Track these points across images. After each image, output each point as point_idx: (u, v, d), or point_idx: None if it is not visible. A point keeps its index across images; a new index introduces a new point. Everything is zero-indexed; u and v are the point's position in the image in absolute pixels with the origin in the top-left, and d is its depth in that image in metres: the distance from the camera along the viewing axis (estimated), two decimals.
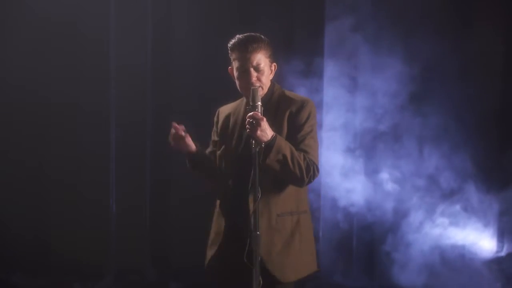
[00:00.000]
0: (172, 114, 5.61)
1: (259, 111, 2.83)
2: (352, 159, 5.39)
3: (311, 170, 2.95)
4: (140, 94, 5.70)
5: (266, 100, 3.01)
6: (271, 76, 3.08)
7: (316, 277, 5.35)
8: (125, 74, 5.61)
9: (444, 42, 5.21)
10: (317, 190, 5.44)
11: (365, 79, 5.42)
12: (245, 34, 3.03)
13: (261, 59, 2.99)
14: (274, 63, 3.08)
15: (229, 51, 3.05)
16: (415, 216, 5.31)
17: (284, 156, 2.87)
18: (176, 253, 5.72)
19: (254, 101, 2.85)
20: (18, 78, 5.61)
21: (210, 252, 3.14)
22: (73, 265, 5.60)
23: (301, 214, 3.08)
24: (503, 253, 5.34)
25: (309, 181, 2.98)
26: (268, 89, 3.07)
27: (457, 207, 5.24)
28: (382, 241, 5.39)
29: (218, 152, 3.17)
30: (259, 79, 2.99)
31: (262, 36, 3.04)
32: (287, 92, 3.15)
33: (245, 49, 2.97)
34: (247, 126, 2.81)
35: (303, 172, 2.92)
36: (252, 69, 2.98)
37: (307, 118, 3.03)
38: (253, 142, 2.82)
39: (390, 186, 5.31)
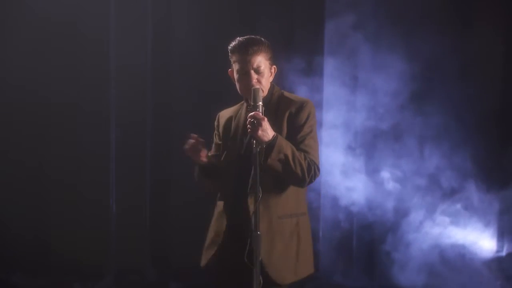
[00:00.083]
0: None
1: (260, 111, 2.84)
2: (352, 158, 5.39)
3: (312, 170, 2.96)
4: (140, 94, 5.69)
5: (266, 102, 3.01)
6: (271, 79, 3.09)
7: (316, 277, 5.35)
8: (125, 74, 5.61)
9: (444, 42, 5.22)
10: (317, 189, 5.44)
11: (366, 78, 5.42)
12: (246, 37, 3.04)
13: (262, 61, 3.00)
14: (274, 66, 3.09)
15: (229, 54, 3.06)
16: (416, 216, 5.32)
17: (286, 156, 2.87)
18: (176, 253, 5.72)
19: (255, 101, 2.86)
20: (18, 78, 5.61)
21: (209, 252, 3.14)
22: (73, 265, 5.60)
23: (300, 216, 3.09)
24: (503, 253, 5.34)
25: (310, 181, 2.99)
26: (268, 91, 3.08)
27: (458, 206, 5.25)
28: (382, 241, 5.40)
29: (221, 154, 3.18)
30: (259, 82, 3.00)
31: (262, 39, 3.05)
32: (286, 93, 3.16)
33: (246, 52, 2.97)
34: (248, 126, 2.82)
35: (305, 172, 2.93)
36: (252, 71, 2.99)
37: (307, 119, 3.04)
38: (254, 142, 2.82)
39: (391, 185, 5.31)
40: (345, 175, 5.34)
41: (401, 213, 5.34)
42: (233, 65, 3.06)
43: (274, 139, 2.85)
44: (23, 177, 5.70)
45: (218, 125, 3.26)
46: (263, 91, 2.99)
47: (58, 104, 5.65)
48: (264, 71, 3.01)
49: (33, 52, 5.61)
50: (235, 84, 3.08)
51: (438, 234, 5.30)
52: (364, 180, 5.39)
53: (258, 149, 2.82)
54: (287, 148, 2.89)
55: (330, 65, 5.45)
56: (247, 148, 3.01)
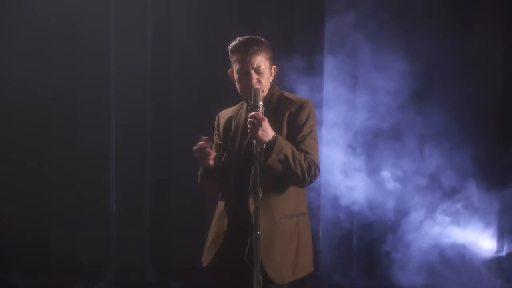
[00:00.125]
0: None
1: (261, 111, 2.84)
2: (352, 158, 5.39)
3: (312, 170, 2.96)
4: (140, 94, 5.69)
5: (266, 102, 3.00)
6: (271, 79, 3.09)
7: (316, 276, 5.35)
8: (125, 74, 5.61)
9: (444, 41, 5.22)
10: (317, 188, 5.44)
11: (366, 77, 5.42)
12: (246, 37, 3.04)
13: (262, 61, 3.00)
14: (274, 66, 3.09)
15: (229, 54, 3.05)
16: (416, 215, 5.32)
17: (286, 156, 2.87)
18: (176, 253, 5.72)
19: (255, 101, 2.86)
20: (18, 78, 5.61)
21: (210, 252, 3.14)
22: (73, 265, 5.60)
23: (300, 217, 3.09)
24: (503, 253, 5.34)
25: (310, 181, 2.99)
26: (268, 91, 3.08)
27: (458, 206, 5.25)
28: (382, 241, 5.40)
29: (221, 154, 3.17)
30: (259, 81, 3.00)
31: (263, 39, 3.05)
32: (286, 94, 3.16)
33: (246, 52, 2.97)
34: (248, 126, 2.82)
35: (305, 172, 2.93)
36: (252, 71, 2.99)
37: (307, 119, 3.04)
38: (254, 142, 2.82)
39: (391, 185, 5.31)
40: (345, 175, 5.35)
41: (401, 212, 5.34)
42: (233, 65, 3.05)
43: (274, 139, 2.85)
44: (23, 177, 5.70)
45: (218, 125, 3.26)
46: (263, 91, 2.98)
47: (58, 104, 5.64)
48: (264, 71, 3.01)
49: (33, 52, 5.61)
50: (235, 84, 3.08)
51: (438, 234, 5.30)
52: (364, 180, 5.39)
53: (258, 149, 2.82)
54: (287, 148, 2.89)
55: (330, 64, 5.46)
56: (247, 148, 3.01)
